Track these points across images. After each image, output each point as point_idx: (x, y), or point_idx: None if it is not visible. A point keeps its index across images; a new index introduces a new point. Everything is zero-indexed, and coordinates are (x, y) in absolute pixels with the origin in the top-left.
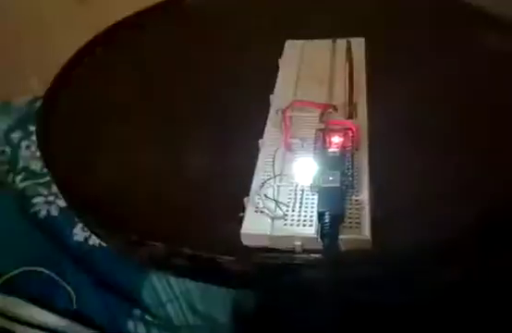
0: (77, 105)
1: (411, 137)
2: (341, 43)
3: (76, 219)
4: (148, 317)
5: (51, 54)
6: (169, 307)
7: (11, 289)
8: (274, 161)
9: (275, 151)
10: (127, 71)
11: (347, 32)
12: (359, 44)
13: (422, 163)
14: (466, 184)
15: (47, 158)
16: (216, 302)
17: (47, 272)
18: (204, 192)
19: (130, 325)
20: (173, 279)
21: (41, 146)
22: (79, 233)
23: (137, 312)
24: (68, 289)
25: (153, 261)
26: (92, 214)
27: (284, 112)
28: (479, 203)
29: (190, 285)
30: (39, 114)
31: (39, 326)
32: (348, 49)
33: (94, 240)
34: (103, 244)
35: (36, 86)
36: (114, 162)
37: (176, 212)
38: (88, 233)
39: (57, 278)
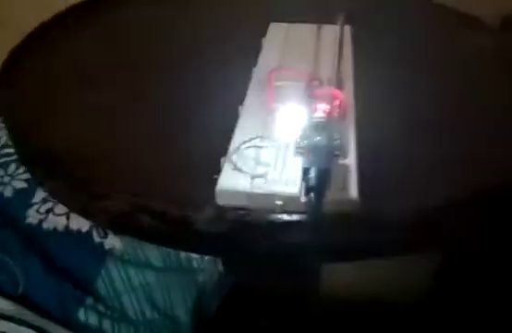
0: (36, 69)
1: (395, 107)
2: (326, 28)
3: (30, 201)
4: (101, 308)
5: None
6: (125, 299)
7: None
8: (257, 123)
9: (258, 115)
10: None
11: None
12: (345, 30)
13: (406, 130)
14: (449, 151)
15: (7, 116)
16: (178, 298)
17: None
18: (179, 153)
19: (81, 314)
20: (131, 271)
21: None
22: (34, 215)
23: (90, 301)
24: (16, 271)
25: (116, 218)
26: (48, 166)
27: (268, 76)
28: (464, 170)
29: (150, 278)
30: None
31: None
32: (341, 23)
33: (49, 224)
34: (59, 229)
35: None
36: (79, 122)
37: (146, 167)
38: (43, 216)
39: (5, 260)
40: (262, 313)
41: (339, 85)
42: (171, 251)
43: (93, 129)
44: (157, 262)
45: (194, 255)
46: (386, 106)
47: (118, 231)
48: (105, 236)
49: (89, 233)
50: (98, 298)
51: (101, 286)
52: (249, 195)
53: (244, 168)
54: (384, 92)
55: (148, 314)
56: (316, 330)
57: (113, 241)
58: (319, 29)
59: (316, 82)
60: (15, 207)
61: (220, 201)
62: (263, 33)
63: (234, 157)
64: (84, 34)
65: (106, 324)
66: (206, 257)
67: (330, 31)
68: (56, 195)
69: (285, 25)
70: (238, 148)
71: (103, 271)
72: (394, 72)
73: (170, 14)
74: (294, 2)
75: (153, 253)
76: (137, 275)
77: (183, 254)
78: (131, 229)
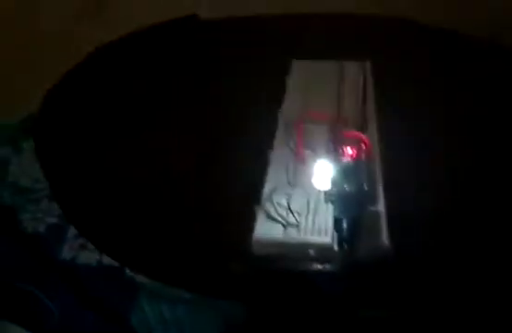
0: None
1: (421, 149)
2: (348, 65)
3: (64, 237)
4: None
5: (45, 73)
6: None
7: None
8: (288, 169)
9: (288, 160)
10: (133, 84)
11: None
12: (364, 67)
13: (433, 173)
14: (479, 194)
15: (44, 163)
16: (205, 329)
17: (31, 289)
18: (213, 199)
19: None
20: (164, 305)
21: (38, 148)
22: (68, 251)
23: None
24: (52, 307)
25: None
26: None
27: (296, 123)
28: (497, 215)
29: (181, 311)
30: (37, 122)
31: None
32: (363, 68)
33: (82, 260)
34: (92, 264)
35: (32, 105)
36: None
37: (183, 217)
38: (76, 252)
39: (41, 296)
40: None
41: (364, 128)
42: None
43: (126, 177)
44: (186, 294)
45: None
46: (411, 148)
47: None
48: None
49: (121, 268)
50: (132, 332)
51: (135, 321)
52: (284, 244)
53: (277, 217)
54: (408, 133)
55: None
56: None
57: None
58: (340, 66)
59: (341, 125)
60: (49, 243)
61: (255, 249)
62: (285, 70)
63: (267, 205)
64: (121, 76)
65: None
66: None
67: (352, 68)
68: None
69: (307, 63)
70: (271, 196)
71: (136, 305)
72: (418, 110)
73: (190, 52)
74: (314, 38)
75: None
76: (168, 308)
77: None
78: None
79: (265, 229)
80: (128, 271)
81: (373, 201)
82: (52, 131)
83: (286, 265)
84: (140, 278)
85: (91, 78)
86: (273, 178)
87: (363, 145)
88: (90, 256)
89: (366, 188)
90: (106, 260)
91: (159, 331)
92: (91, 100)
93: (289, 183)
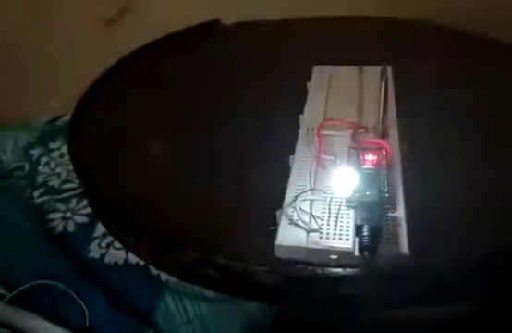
0: (103, 122)
1: (442, 156)
2: (368, 69)
3: (92, 235)
4: None
5: (71, 75)
6: (182, 330)
7: (24, 302)
8: (310, 175)
9: (309, 166)
10: (157, 90)
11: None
12: (385, 71)
13: (454, 180)
14: (501, 200)
15: (77, 166)
16: (230, 328)
17: (62, 287)
18: (236, 205)
19: None
20: (187, 302)
21: (70, 150)
22: (95, 249)
23: (150, 332)
24: (82, 305)
25: (182, 269)
26: (120, 220)
27: (318, 129)
28: None
29: (204, 309)
30: (70, 126)
31: None
32: (383, 72)
33: (110, 258)
34: (119, 263)
35: (56, 106)
36: (144, 168)
37: (206, 222)
38: (104, 250)
39: (72, 294)
40: None
41: (384, 134)
42: None
43: (157, 179)
44: (209, 293)
45: None
46: (433, 154)
47: (185, 281)
48: None
49: (146, 266)
50: (157, 329)
51: (159, 317)
52: (306, 250)
53: (300, 223)
54: (429, 139)
55: None
56: None
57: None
58: (361, 70)
59: (362, 131)
60: (78, 242)
61: (278, 254)
62: (306, 76)
63: (289, 211)
64: (147, 81)
65: None
66: None
67: (372, 73)
68: (126, 244)
69: (328, 68)
70: (293, 201)
71: (161, 303)
72: (439, 115)
73: (212, 58)
74: (334, 43)
75: None
76: (192, 306)
77: None
78: (196, 279)
79: (288, 235)
80: (153, 269)
81: (394, 207)
82: (85, 132)
83: (309, 270)
84: (165, 277)
85: (123, 81)
86: (294, 185)
87: (384, 152)
88: (117, 255)
89: (387, 194)
90: (132, 258)
91: (183, 328)
92: (123, 103)
93: (311, 189)
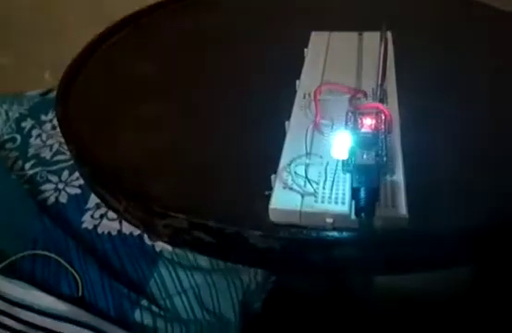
0: (94, 83)
1: (441, 120)
2: (367, 35)
3: (85, 207)
4: (155, 308)
5: (64, 48)
6: (177, 300)
7: (15, 272)
8: (306, 139)
9: (306, 130)
10: (150, 53)
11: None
12: (384, 37)
13: (453, 144)
14: (502, 162)
15: (66, 131)
16: (225, 299)
17: (54, 257)
18: (230, 169)
19: (137, 314)
20: (182, 273)
21: (60, 119)
22: (89, 220)
23: (144, 302)
24: (75, 275)
25: (175, 234)
26: (112, 186)
27: (315, 93)
28: None
29: (199, 280)
30: (58, 94)
31: (41, 311)
32: (382, 36)
33: (103, 229)
34: (113, 233)
35: (48, 79)
36: (136, 135)
37: (200, 186)
38: (97, 221)
39: (64, 264)
40: (303, 309)
41: (383, 99)
42: None
43: (149, 144)
44: (205, 263)
45: None
46: (431, 119)
47: (177, 246)
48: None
49: (140, 236)
50: (152, 299)
51: (154, 287)
52: (301, 213)
53: (294, 187)
54: (428, 104)
55: (198, 314)
56: (356, 325)
57: (163, 244)
58: (360, 36)
59: (360, 96)
60: (70, 213)
61: (273, 218)
62: (304, 42)
63: (284, 175)
64: (139, 47)
65: (160, 324)
66: None
67: (371, 39)
68: (116, 210)
69: (326, 34)
70: (288, 166)
71: (155, 273)
72: (439, 81)
73: (211, 24)
74: (333, 9)
75: (201, 255)
76: (187, 276)
77: None
78: (189, 244)
79: (282, 198)
80: (147, 240)
81: (392, 171)
82: (73, 102)
83: (303, 234)
84: (159, 247)
85: (112, 48)
86: (290, 149)
87: (383, 116)
88: (110, 225)
89: (385, 158)
90: (126, 229)
91: (177, 298)
92: (111, 72)
93: (307, 153)
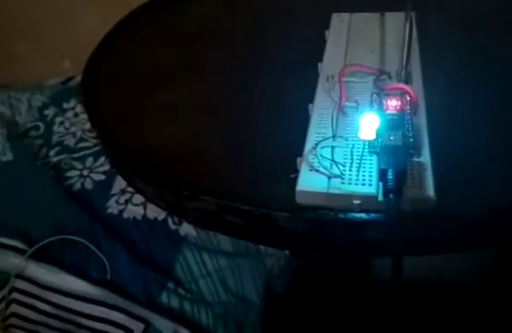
0: (119, 71)
1: (467, 101)
2: (389, 15)
3: (110, 192)
4: (181, 291)
5: (83, 37)
6: (202, 283)
7: (45, 256)
8: (331, 122)
9: (331, 113)
10: (169, 39)
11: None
12: (408, 18)
13: (480, 124)
14: None
15: (93, 118)
16: (248, 281)
17: (82, 241)
18: (256, 152)
19: (164, 297)
20: (206, 256)
21: (87, 105)
22: (114, 206)
23: (170, 285)
24: (103, 258)
25: (204, 217)
26: (140, 170)
27: (339, 75)
28: None
29: (223, 263)
30: (83, 81)
31: (71, 294)
32: (407, 16)
33: (129, 214)
34: (138, 218)
35: (67, 67)
36: (161, 120)
37: (227, 170)
38: (122, 206)
39: (92, 248)
40: (326, 292)
41: (408, 80)
42: None
43: (175, 129)
44: (228, 247)
45: None
46: (457, 100)
47: (205, 228)
48: (180, 223)
49: (165, 221)
50: (178, 282)
51: (179, 271)
52: (328, 195)
53: (321, 169)
54: (453, 85)
55: (222, 296)
56: (376, 308)
57: (187, 228)
58: (382, 17)
59: (384, 77)
60: (96, 198)
61: (299, 200)
62: (325, 24)
63: (310, 158)
64: (159, 34)
65: (187, 306)
66: None
67: (393, 19)
68: (145, 194)
69: (347, 15)
70: (314, 148)
71: (180, 257)
72: (464, 62)
73: (229, 9)
74: None
75: (224, 239)
76: (211, 260)
77: None
78: (218, 227)
79: (309, 181)
80: (171, 224)
81: (419, 152)
82: (97, 89)
83: (331, 215)
84: (183, 231)
85: (133, 35)
86: (315, 132)
87: (408, 97)
88: (135, 210)
89: (411, 139)
90: (151, 214)
91: (202, 280)
92: (135, 57)
93: (333, 136)
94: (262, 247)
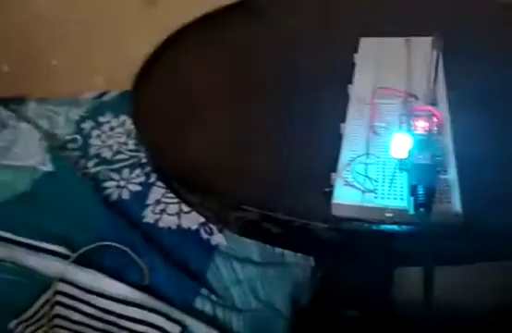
0: (165, 88)
1: (489, 121)
2: (415, 40)
3: (146, 202)
4: (214, 297)
5: (116, 53)
6: (233, 290)
7: (86, 262)
8: (365, 141)
9: (362, 133)
10: (212, 57)
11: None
12: (433, 42)
13: (503, 143)
14: None
15: (141, 131)
16: (276, 290)
17: (122, 248)
18: (291, 168)
19: (198, 302)
20: (236, 265)
21: (136, 121)
22: (150, 215)
23: (204, 291)
24: (142, 265)
25: (245, 225)
26: (188, 181)
27: (372, 97)
28: None
29: (252, 272)
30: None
31: (112, 298)
32: (435, 41)
33: (164, 223)
34: (172, 227)
35: (102, 83)
36: (204, 135)
37: (266, 183)
38: (158, 216)
39: (131, 254)
40: (350, 304)
41: (434, 102)
42: (268, 247)
43: (218, 143)
44: (256, 257)
45: (288, 251)
46: (481, 120)
47: (246, 236)
48: (212, 233)
49: (198, 231)
50: (210, 289)
51: (211, 278)
52: (362, 208)
53: (355, 184)
54: (478, 106)
55: (252, 304)
56: (398, 321)
57: (218, 238)
58: (408, 42)
59: (412, 99)
60: (132, 208)
61: (335, 212)
62: (352, 48)
63: (345, 173)
64: (202, 52)
65: (219, 312)
66: (298, 253)
67: (420, 44)
68: (190, 204)
69: (375, 40)
70: (348, 164)
71: (212, 265)
72: (488, 84)
73: (253, 32)
74: (381, 15)
75: (253, 249)
76: (241, 268)
77: (278, 250)
78: (258, 235)
79: (344, 194)
80: (203, 234)
81: (446, 170)
82: (144, 105)
83: (365, 227)
84: (215, 241)
85: (182, 49)
86: (348, 149)
87: (435, 118)
88: (170, 220)
89: (439, 157)
90: (185, 224)
91: (233, 288)
92: (177, 75)
93: (366, 154)
94: (288, 258)
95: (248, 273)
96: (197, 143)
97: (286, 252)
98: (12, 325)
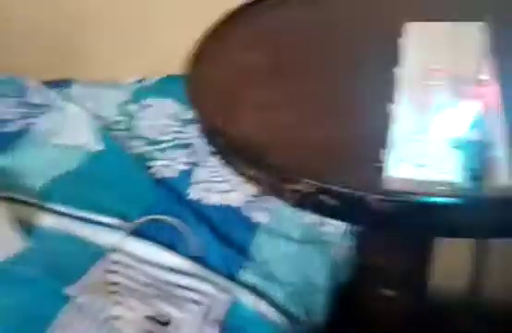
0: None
1: None
2: (462, 25)
3: (190, 181)
4: (256, 270)
5: (156, 38)
6: (273, 264)
7: (138, 233)
8: (417, 120)
9: (412, 112)
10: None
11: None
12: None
13: None
14: None
15: (198, 109)
16: (315, 266)
17: (171, 221)
18: (344, 144)
19: (241, 274)
20: (276, 240)
21: (191, 99)
22: (194, 193)
23: (247, 264)
24: (193, 237)
25: (302, 198)
26: (246, 155)
27: (421, 78)
28: None
29: (292, 248)
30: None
31: (165, 267)
32: (484, 24)
33: (207, 200)
34: (216, 204)
35: (144, 67)
36: (259, 113)
37: (321, 158)
38: (202, 193)
39: (181, 227)
40: (386, 283)
41: (484, 83)
42: (308, 226)
43: (273, 121)
44: (296, 235)
45: (327, 231)
46: None
47: (302, 208)
48: (254, 211)
49: (238, 208)
50: (253, 262)
51: (254, 252)
52: (415, 181)
53: (408, 158)
54: None
55: (292, 277)
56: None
57: (259, 216)
58: (454, 26)
59: (462, 81)
60: (178, 186)
61: (388, 185)
62: (396, 33)
63: (397, 149)
64: (249, 36)
65: (260, 283)
66: (338, 233)
67: (465, 28)
68: (248, 177)
69: (420, 24)
70: (400, 141)
71: (253, 240)
72: None
73: (303, 16)
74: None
75: (293, 227)
76: (281, 245)
77: (317, 229)
78: (313, 207)
79: (396, 169)
80: (244, 211)
81: (498, 146)
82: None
83: (420, 200)
84: (256, 218)
85: (230, 34)
86: (399, 127)
87: (485, 98)
88: (214, 198)
89: (489, 135)
90: (225, 201)
91: (274, 262)
92: (225, 59)
93: (419, 132)
94: (327, 237)
95: (288, 249)
96: (253, 119)
97: (325, 230)
98: (68, 290)
